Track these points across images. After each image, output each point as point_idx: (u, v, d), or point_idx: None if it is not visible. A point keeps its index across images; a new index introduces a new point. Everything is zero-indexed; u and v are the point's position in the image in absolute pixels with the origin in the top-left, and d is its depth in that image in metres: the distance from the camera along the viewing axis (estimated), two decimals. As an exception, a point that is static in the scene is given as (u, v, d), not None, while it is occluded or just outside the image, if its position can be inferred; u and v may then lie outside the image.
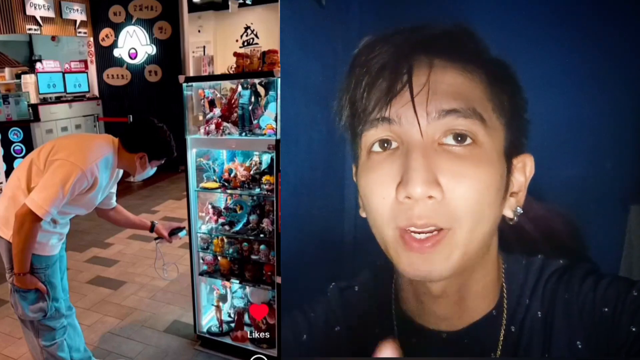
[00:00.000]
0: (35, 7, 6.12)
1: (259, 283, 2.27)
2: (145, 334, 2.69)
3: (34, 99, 6.21)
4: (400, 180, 1.05)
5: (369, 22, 1.21)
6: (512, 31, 1.10)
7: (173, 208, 5.24)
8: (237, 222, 2.33)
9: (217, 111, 2.26)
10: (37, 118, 5.99)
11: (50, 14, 6.39)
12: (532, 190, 1.13)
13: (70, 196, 1.72)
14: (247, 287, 2.40)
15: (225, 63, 2.73)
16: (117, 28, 6.93)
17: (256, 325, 2.36)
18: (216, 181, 2.32)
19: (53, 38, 8.03)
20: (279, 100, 1.81)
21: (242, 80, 2.18)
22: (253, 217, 2.27)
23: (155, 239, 2.27)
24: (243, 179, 2.23)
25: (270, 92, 2.19)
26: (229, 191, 2.29)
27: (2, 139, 5.29)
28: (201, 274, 2.43)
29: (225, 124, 2.19)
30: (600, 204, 1.15)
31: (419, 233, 1.07)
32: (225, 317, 2.53)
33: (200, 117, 2.31)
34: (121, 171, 2.02)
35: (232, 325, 2.49)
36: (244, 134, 2.17)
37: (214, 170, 2.35)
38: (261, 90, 2.23)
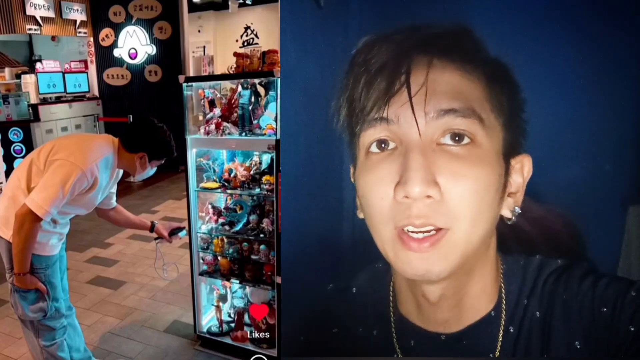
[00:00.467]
0: (35, 7, 6.12)
1: (259, 283, 2.27)
2: (145, 334, 2.69)
3: (34, 99, 6.21)
4: (398, 180, 1.05)
5: (367, 22, 1.22)
6: (512, 31, 1.10)
7: (173, 208, 5.23)
8: (237, 222, 2.33)
9: (217, 111, 2.26)
10: (37, 118, 5.98)
11: (50, 14, 6.39)
12: (531, 191, 1.13)
13: (70, 196, 1.71)
14: (247, 287, 2.40)
15: (225, 63, 2.73)
16: (117, 28, 6.93)
17: (256, 325, 2.36)
18: (216, 181, 2.32)
19: (53, 38, 8.03)
20: (279, 100, 1.81)
21: (242, 80, 2.18)
22: (253, 217, 2.27)
23: (155, 239, 2.27)
24: (243, 179, 2.23)
25: (270, 92, 2.19)
26: (229, 191, 2.29)
27: (2, 139, 5.29)
28: (201, 274, 2.43)
29: (225, 124, 2.19)
30: (598, 205, 1.15)
31: (417, 232, 1.06)
32: (225, 317, 2.53)
33: (200, 117, 2.31)
34: (121, 171, 2.02)
35: (232, 325, 2.49)
36: (244, 134, 2.17)
37: (214, 170, 2.35)
38: (261, 90, 2.23)
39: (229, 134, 2.18)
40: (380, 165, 1.10)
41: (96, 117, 7.14)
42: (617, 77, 1.10)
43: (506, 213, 1.13)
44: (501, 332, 1.16)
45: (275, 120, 2.01)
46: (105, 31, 7.01)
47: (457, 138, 1.04)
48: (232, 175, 2.27)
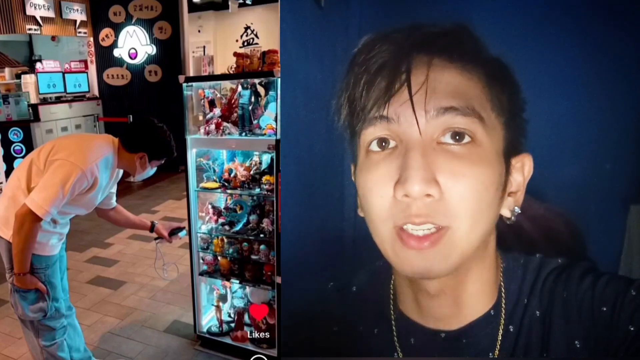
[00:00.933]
0: (35, 7, 6.12)
1: (259, 283, 2.27)
2: (145, 334, 2.69)
3: (34, 99, 6.21)
4: (398, 178, 1.05)
5: (368, 22, 1.22)
6: (512, 31, 1.11)
7: (173, 208, 5.23)
8: (237, 222, 2.33)
9: (217, 111, 2.26)
10: (37, 118, 5.98)
11: (50, 14, 6.39)
12: (531, 190, 1.14)
13: (70, 196, 1.72)
14: (247, 287, 2.40)
15: (225, 63, 2.73)
16: (117, 28, 6.93)
17: (256, 325, 2.36)
18: (216, 181, 2.32)
19: (53, 38, 8.03)
20: (279, 100, 1.81)
21: (242, 80, 2.18)
22: (253, 217, 2.27)
23: (155, 239, 2.27)
24: (243, 179, 2.23)
25: (270, 92, 2.19)
26: (229, 191, 2.29)
27: (2, 139, 5.29)
28: (201, 274, 2.43)
29: (225, 124, 2.19)
30: (599, 204, 1.15)
31: (417, 230, 1.07)
32: (225, 317, 2.53)
33: (200, 117, 2.31)
34: (121, 171, 2.02)
35: (232, 325, 2.49)
36: (244, 134, 2.17)
37: (214, 170, 2.35)
38: (261, 90, 2.23)
39: (229, 134, 2.18)
40: (380, 164, 1.10)
41: (96, 117, 7.14)
42: (618, 77, 1.10)
43: (506, 213, 1.13)
44: (501, 330, 1.16)
45: (275, 120, 2.01)
46: (105, 31, 7.01)
47: (457, 137, 1.05)
48: (232, 175, 2.27)
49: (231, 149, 2.31)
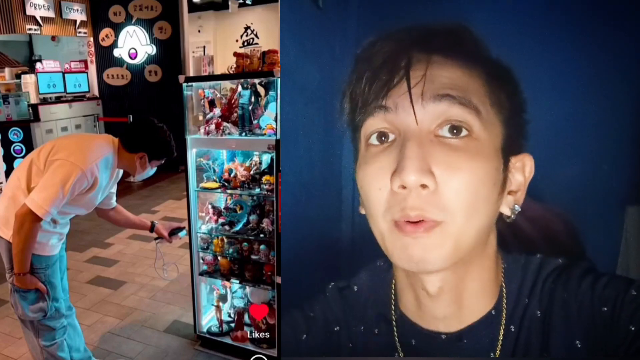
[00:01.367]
0: (35, 7, 6.12)
1: (259, 283, 2.27)
2: (145, 334, 2.69)
3: (34, 99, 6.21)
4: (395, 169, 1.07)
5: (367, 21, 1.22)
6: (512, 31, 1.11)
7: (173, 208, 5.24)
8: (237, 222, 2.33)
9: (217, 111, 2.26)
10: (37, 118, 5.98)
11: (50, 14, 6.39)
12: (531, 190, 1.14)
13: (70, 196, 1.72)
14: (247, 287, 2.40)
15: (225, 63, 2.73)
16: (117, 28, 6.93)
17: (256, 325, 2.36)
18: (216, 181, 2.32)
19: (53, 38, 8.03)
20: (279, 100, 1.81)
21: (242, 80, 2.18)
22: (253, 217, 2.27)
23: (155, 239, 2.27)
24: (243, 179, 2.23)
25: (270, 92, 2.19)
26: (229, 191, 2.29)
27: (2, 139, 5.29)
28: (201, 274, 2.43)
29: (225, 124, 2.19)
30: (597, 204, 1.16)
31: (413, 220, 1.08)
32: (225, 317, 2.53)
33: (200, 117, 2.31)
34: (121, 171, 2.02)
35: (232, 325, 2.49)
36: (244, 134, 2.17)
37: (214, 170, 2.35)
38: (261, 90, 2.23)
39: (229, 134, 2.18)
40: (379, 156, 1.11)
41: (96, 117, 7.14)
42: (617, 78, 1.10)
43: (505, 211, 1.13)
44: (502, 331, 1.17)
45: (275, 120, 2.01)
46: (105, 31, 7.01)
47: (455, 130, 1.06)
48: (232, 175, 2.27)
49: (231, 149, 2.31)
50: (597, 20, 1.09)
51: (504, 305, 1.17)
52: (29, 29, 6.17)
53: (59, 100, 6.62)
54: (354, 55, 1.16)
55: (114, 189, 2.11)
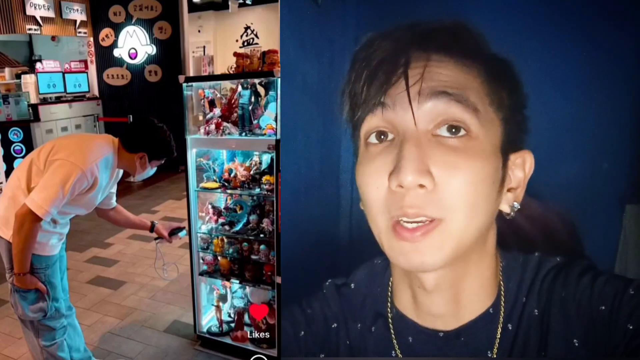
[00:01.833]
0: (35, 7, 6.12)
1: (259, 283, 2.27)
2: (145, 334, 2.69)
3: (34, 99, 6.21)
4: (393, 169, 1.07)
5: (365, 19, 1.22)
6: (512, 29, 1.11)
7: (173, 208, 5.24)
8: (237, 222, 2.33)
9: (217, 111, 2.26)
10: (37, 118, 5.98)
11: (50, 14, 6.39)
12: (530, 188, 1.14)
13: (70, 196, 1.72)
14: (247, 287, 2.40)
15: (225, 63, 2.73)
16: (117, 28, 6.93)
17: (256, 325, 2.36)
18: (216, 181, 2.32)
19: (53, 38, 8.03)
20: (279, 100, 1.81)
21: (242, 80, 2.18)
22: (253, 217, 2.27)
23: (155, 239, 2.28)
24: (243, 179, 2.23)
25: (270, 92, 2.19)
26: (229, 191, 2.29)
27: (2, 139, 5.29)
28: (201, 274, 2.43)
29: (225, 124, 2.19)
30: (596, 203, 1.16)
31: (411, 222, 1.08)
32: (225, 317, 2.53)
33: (200, 117, 2.31)
34: (121, 171, 2.03)
35: (232, 325, 2.49)
36: (244, 134, 2.17)
37: (214, 170, 2.35)
38: (261, 90, 2.23)
39: (229, 134, 2.18)
40: (377, 156, 1.12)
41: (96, 117, 7.14)
42: (617, 75, 1.11)
43: (505, 208, 1.13)
44: (499, 329, 1.17)
45: (275, 120, 2.02)
46: (105, 31, 7.01)
47: (453, 130, 1.06)
48: (232, 175, 2.27)
49: (231, 149, 2.31)
50: (598, 17, 1.09)
51: (502, 303, 1.17)
52: (29, 29, 6.17)
53: (59, 100, 6.62)
54: (352, 54, 1.16)
55: (114, 189, 2.11)
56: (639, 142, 1.12)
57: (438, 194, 1.05)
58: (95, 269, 3.63)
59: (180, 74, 2.77)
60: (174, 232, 2.25)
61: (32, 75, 6.40)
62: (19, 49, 8.54)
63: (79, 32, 6.96)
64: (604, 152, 1.13)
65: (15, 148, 5.56)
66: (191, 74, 5.67)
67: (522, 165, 1.12)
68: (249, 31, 9.09)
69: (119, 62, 7.06)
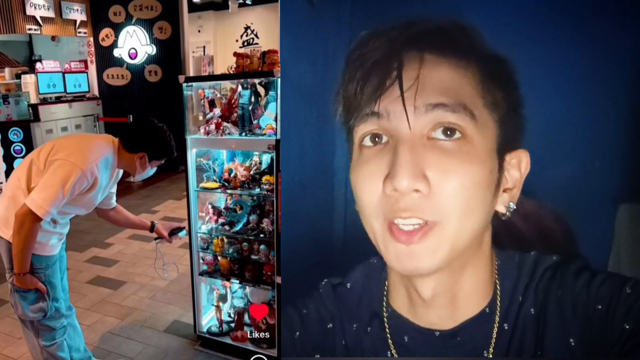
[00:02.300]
0: (35, 7, 6.12)
1: (259, 283, 2.28)
2: (145, 334, 2.69)
3: (34, 99, 6.21)
4: (387, 173, 1.06)
5: (359, 18, 1.22)
6: (508, 28, 1.11)
7: (173, 208, 5.24)
8: (237, 222, 2.33)
9: (217, 111, 2.26)
10: (37, 118, 5.99)
11: (50, 14, 6.39)
12: (525, 188, 1.14)
13: (70, 196, 1.72)
14: (247, 287, 2.40)
15: (225, 63, 2.73)
16: (117, 28, 6.93)
17: (256, 325, 2.36)
18: (216, 181, 2.32)
19: (53, 38, 8.03)
20: (279, 100, 1.81)
21: (242, 80, 2.19)
22: (253, 217, 2.27)
23: (155, 239, 2.28)
24: (243, 179, 2.23)
25: (270, 92, 2.19)
26: (229, 191, 2.29)
27: (2, 139, 5.29)
28: (201, 274, 2.43)
29: (225, 124, 2.20)
30: (589, 202, 1.16)
31: (407, 225, 1.07)
32: (225, 317, 2.53)
33: (200, 117, 2.32)
34: (121, 171, 2.03)
35: (232, 325, 2.50)
36: (244, 134, 2.17)
37: (214, 170, 2.35)
38: (261, 90, 2.24)
39: (229, 134, 2.18)
40: (371, 159, 1.11)
41: (96, 117, 7.14)
42: (614, 75, 1.10)
43: (501, 209, 1.13)
44: (495, 329, 1.16)
45: (275, 120, 2.02)
46: (105, 31, 7.02)
47: (448, 132, 1.05)
48: (232, 175, 2.27)
49: (231, 149, 2.31)
50: (594, 16, 1.09)
51: (498, 302, 1.17)
52: (29, 29, 6.17)
53: (59, 100, 6.62)
54: (346, 54, 1.15)
55: (114, 189, 2.11)
56: (633, 141, 1.12)
57: (433, 198, 1.05)
58: (95, 269, 3.63)
59: (180, 74, 2.77)
60: (174, 232, 2.25)
61: (32, 75, 6.41)
62: (19, 49, 8.55)
63: (79, 32, 6.96)
64: (598, 152, 1.12)
65: (15, 148, 5.56)
66: (191, 74, 5.67)
67: (518, 165, 1.12)
68: (249, 31, 9.09)
69: (119, 62, 7.06)
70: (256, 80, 2.18)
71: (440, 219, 1.06)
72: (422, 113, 1.05)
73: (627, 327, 1.06)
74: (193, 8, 8.17)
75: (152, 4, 6.71)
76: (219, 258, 2.39)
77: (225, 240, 2.35)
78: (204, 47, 9.38)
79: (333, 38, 1.24)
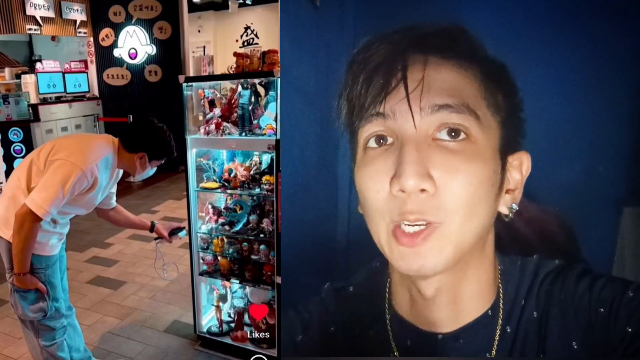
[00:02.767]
0: (35, 7, 6.12)
1: (259, 283, 2.27)
2: (145, 334, 2.69)
3: (34, 99, 6.21)
4: (394, 173, 1.07)
5: (363, 21, 1.22)
6: (509, 31, 1.11)
7: (173, 208, 5.24)
8: (237, 222, 2.33)
9: (217, 111, 2.26)
10: (37, 118, 5.99)
11: (50, 14, 6.39)
12: (528, 191, 1.14)
13: (70, 196, 1.72)
14: (247, 287, 2.40)
15: (225, 63, 2.73)
16: (117, 28, 6.93)
17: (256, 325, 2.36)
18: (216, 181, 2.32)
19: (53, 38, 8.03)
20: (279, 100, 1.81)
21: (242, 80, 2.18)
22: (253, 217, 2.27)
23: (155, 239, 2.28)
24: (243, 179, 2.23)
25: (270, 92, 2.19)
26: (229, 191, 2.29)
27: (2, 139, 5.29)
28: (201, 274, 2.43)
29: (225, 124, 2.19)
30: (593, 206, 1.16)
31: (412, 226, 1.08)
32: (225, 317, 2.53)
33: (200, 117, 2.31)
34: (121, 171, 2.03)
35: (232, 325, 2.49)
36: (244, 134, 2.17)
37: (214, 170, 2.35)
38: (261, 90, 2.24)
39: (229, 134, 2.18)
40: (377, 160, 1.11)
41: (96, 117, 7.14)
42: (614, 77, 1.10)
43: (503, 210, 1.13)
44: (498, 331, 1.17)
45: (275, 120, 2.02)
46: (105, 31, 7.01)
47: (452, 133, 1.06)
48: (232, 175, 2.27)
49: (231, 149, 2.31)
50: (595, 19, 1.09)
51: (501, 305, 1.17)
52: (29, 29, 6.17)
53: (59, 100, 6.62)
54: (350, 56, 1.16)
55: (114, 189, 2.11)
56: (636, 144, 1.12)
57: (439, 198, 1.05)
58: (95, 269, 3.63)
59: (180, 74, 2.77)
60: (174, 232, 2.25)
61: (32, 75, 6.40)
62: (19, 49, 8.54)
63: (79, 32, 6.96)
64: (601, 155, 1.12)
65: (15, 148, 5.56)
66: (191, 74, 5.67)
67: (519, 167, 1.13)
68: (249, 31, 9.09)
69: (119, 62, 7.06)
70: (256, 80, 2.18)
71: (444, 219, 1.06)
72: (427, 114, 1.06)
73: (630, 330, 1.06)
74: (193, 8, 8.17)
75: (152, 4, 6.71)
76: (219, 258, 2.39)
77: (225, 240, 2.35)
78: (204, 47, 9.37)
79: (335, 39, 1.24)
